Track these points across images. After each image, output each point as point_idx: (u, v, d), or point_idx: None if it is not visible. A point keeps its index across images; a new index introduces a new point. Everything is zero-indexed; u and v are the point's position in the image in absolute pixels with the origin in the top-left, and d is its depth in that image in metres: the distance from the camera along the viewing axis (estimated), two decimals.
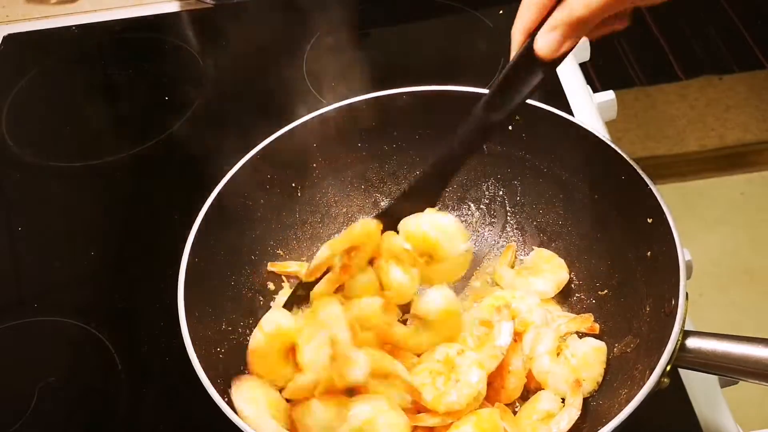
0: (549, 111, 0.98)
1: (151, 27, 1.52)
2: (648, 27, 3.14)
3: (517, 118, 1.00)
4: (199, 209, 0.93)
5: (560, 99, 1.28)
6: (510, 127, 1.01)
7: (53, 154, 1.30)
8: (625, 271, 0.94)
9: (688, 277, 1.08)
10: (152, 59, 1.47)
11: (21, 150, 1.31)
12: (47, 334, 1.05)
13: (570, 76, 1.32)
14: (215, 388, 0.78)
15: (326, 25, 1.47)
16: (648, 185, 0.89)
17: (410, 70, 1.36)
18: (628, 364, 0.85)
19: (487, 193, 1.08)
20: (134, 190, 1.24)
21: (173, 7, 1.54)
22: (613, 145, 0.94)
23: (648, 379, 0.75)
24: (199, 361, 0.80)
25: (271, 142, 0.99)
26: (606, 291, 0.96)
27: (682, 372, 0.94)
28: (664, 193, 0.89)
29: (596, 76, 2.63)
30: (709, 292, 2.32)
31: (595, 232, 0.99)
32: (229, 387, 0.85)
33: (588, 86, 1.33)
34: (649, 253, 0.89)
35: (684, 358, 0.78)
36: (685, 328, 0.78)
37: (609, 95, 1.34)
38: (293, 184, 1.04)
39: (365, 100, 1.02)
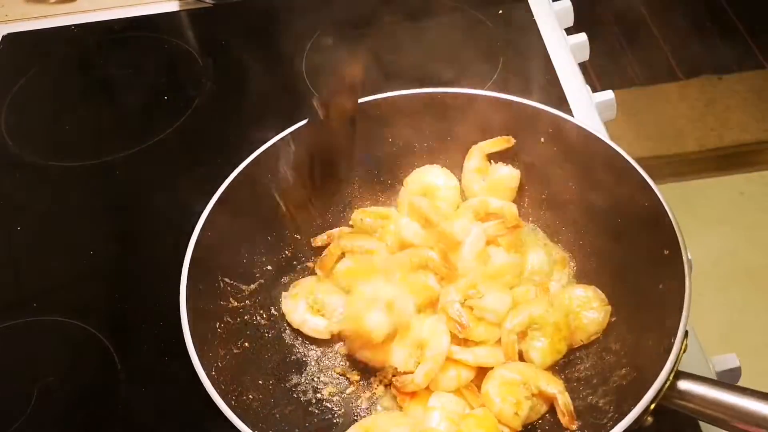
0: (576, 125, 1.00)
1: (151, 27, 1.52)
2: (648, 27, 3.14)
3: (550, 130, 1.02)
4: (199, 209, 0.94)
5: (560, 99, 1.28)
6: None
7: (53, 154, 1.29)
8: (635, 298, 0.92)
9: None
10: (152, 59, 1.47)
11: (21, 150, 1.31)
12: (47, 334, 1.05)
13: (570, 76, 1.32)
14: (213, 386, 0.80)
15: (326, 25, 1.47)
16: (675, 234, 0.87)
17: (410, 70, 1.35)
18: (622, 396, 0.84)
19: None
20: (134, 189, 1.24)
21: (173, 7, 1.54)
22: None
23: (629, 413, 0.73)
24: (200, 361, 0.81)
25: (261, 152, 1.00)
26: (614, 318, 0.94)
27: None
28: (663, 193, 0.88)
29: (596, 76, 2.63)
30: (709, 292, 2.32)
31: (609, 247, 0.98)
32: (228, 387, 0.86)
33: (588, 86, 1.33)
34: (661, 286, 0.87)
35: (671, 397, 0.75)
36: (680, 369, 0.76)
37: (609, 95, 1.34)
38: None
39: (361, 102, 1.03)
